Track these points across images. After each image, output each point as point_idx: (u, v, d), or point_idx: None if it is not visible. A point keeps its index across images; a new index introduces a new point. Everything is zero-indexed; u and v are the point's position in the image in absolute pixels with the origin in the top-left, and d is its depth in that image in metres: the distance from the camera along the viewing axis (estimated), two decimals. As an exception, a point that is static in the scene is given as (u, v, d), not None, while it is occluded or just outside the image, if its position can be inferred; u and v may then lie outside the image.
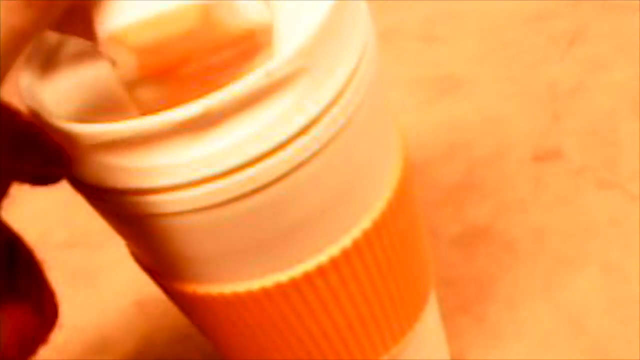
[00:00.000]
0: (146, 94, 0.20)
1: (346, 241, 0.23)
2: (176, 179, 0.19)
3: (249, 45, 0.20)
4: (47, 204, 0.51)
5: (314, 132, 0.19)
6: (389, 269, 0.25)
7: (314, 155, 0.20)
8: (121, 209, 0.20)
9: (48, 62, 0.23)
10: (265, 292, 0.22)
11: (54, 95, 0.22)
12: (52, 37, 0.23)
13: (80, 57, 0.23)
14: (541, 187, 0.41)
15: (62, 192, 0.52)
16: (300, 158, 0.20)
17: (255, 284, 0.22)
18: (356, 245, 0.23)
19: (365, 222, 0.23)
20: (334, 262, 0.23)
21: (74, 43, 0.23)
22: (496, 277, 0.37)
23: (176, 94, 0.20)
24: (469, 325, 0.36)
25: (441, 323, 0.32)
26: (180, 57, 0.20)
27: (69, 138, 0.19)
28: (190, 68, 0.20)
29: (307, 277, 0.23)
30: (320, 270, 0.23)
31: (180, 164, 0.19)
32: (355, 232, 0.23)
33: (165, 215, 0.20)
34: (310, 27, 0.19)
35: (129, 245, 0.24)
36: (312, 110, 0.19)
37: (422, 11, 0.53)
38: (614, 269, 0.36)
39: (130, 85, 0.20)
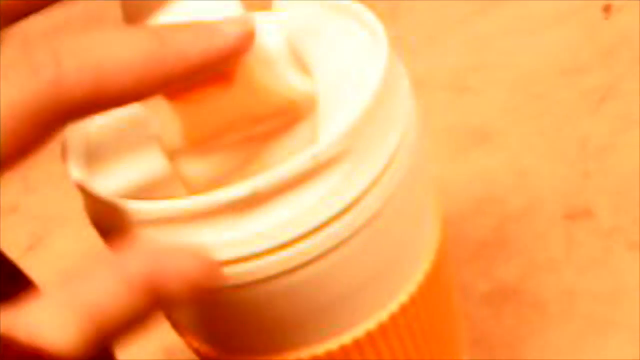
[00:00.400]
0: (190, 164, 0.20)
1: (382, 315, 0.23)
2: (219, 256, 0.19)
3: (291, 115, 0.20)
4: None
5: (353, 214, 0.20)
6: (424, 340, 0.25)
7: (351, 237, 0.20)
8: None
9: (91, 150, 0.23)
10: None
11: (103, 177, 0.22)
12: (90, 125, 0.23)
13: (125, 142, 0.23)
14: (572, 246, 0.40)
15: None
16: (337, 240, 0.20)
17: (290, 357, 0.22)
18: (392, 319, 0.23)
19: (410, 286, 0.23)
20: (381, 327, 0.23)
21: (115, 128, 0.23)
22: (526, 338, 0.37)
23: (219, 165, 0.20)
24: (499, 388, 0.35)
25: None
26: (224, 126, 0.20)
27: (120, 214, 0.19)
28: (233, 137, 0.20)
29: (343, 349, 0.23)
30: (369, 336, 0.23)
31: (223, 243, 0.19)
32: (392, 306, 0.23)
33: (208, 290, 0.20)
34: (354, 109, 0.19)
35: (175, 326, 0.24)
36: (352, 193, 0.20)
37: (452, 61, 0.53)
38: (646, 336, 0.36)
39: (175, 156, 0.20)
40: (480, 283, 0.40)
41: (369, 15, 0.22)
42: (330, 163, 0.19)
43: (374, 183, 0.20)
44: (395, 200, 0.21)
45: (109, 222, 0.20)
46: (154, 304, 0.17)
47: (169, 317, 0.24)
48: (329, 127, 0.21)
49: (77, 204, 0.24)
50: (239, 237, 0.19)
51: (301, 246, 0.19)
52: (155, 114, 0.20)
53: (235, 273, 0.19)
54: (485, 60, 0.52)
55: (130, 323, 0.17)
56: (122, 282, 0.16)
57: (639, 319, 0.37)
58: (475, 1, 0.56)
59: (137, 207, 0.19)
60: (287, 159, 0.19)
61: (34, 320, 0.16)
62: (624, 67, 0.50)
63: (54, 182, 0.56)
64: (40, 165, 0.56)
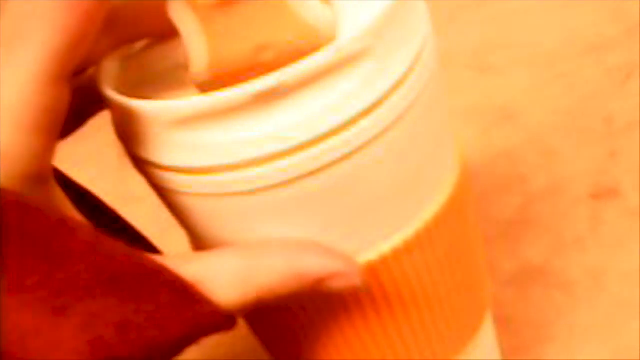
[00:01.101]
0: (217, 84, 0.20)
1: (418, 224, 0.23)
2: (249, 153, 0.19)
3: (314, 43, 0.20)
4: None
5: (380, 111, 0.20)
6: (449, 263, 0.25)
7: (379, 135, 0.20)
8: (193, 189, 0.21)
9: (124, 79, 0.23)
10: None
11: (127, 83, 0.22)
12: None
13: (157, 73, 0.23)
14: (598, 225, 0.40)
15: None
16: (366, 138, 0.20)
17: None
18: (427, 228, 0.23)
19: (434, 206, 0.23)
20: (406, 245, 0.23)
21: (149, 58, 0.24)
22: (553, 319, 0.37)
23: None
24: (526, 368, 0.35)
25: (498, 348, 0.31)
26: (250, 56, 0.20)
27: (142, 117, 0.19)
28: (258, 69, 0.20)
29: (383, 260, 0.23)
30: (395, 253, 0.23)
31: (253, 139, 0.19)
32: (426, 215, 0.23)
33: (238, 193, 0.20)
34: (375, 10, 0.20)
35: (193, 240, 0.24)
36: (378, 89, 0.20)
37: (474, 39, 0.52)
38: (675, 315, 0.36)
39: (203, 88, 0.20)
40: (506, 263, 0.40)
41: None
42: (356, 57, 0.19)
43: (399, 83, 0.20)
44: (420, 103, 0.21)
45: (134, 129, 0.20)
46: (312, 295, 0.20)
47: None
48: (351, 27, 0.21)
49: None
50: (264, 133, 0.19)
51: (328, 143, 0.19)
52: (186, 45, 0.21)
53: (262, 174, 0.19)
54: (507, 38, 0.52)
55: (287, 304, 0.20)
56: (294, 275, 0.19)
57: (667, 298, 0.36)
58: (498, -22, 0.55)
59: (162, 107, 0.19)
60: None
61: (200, 277, 0.19)
62: (650, 44, 0.49)
63: (74, 164, 0.56)
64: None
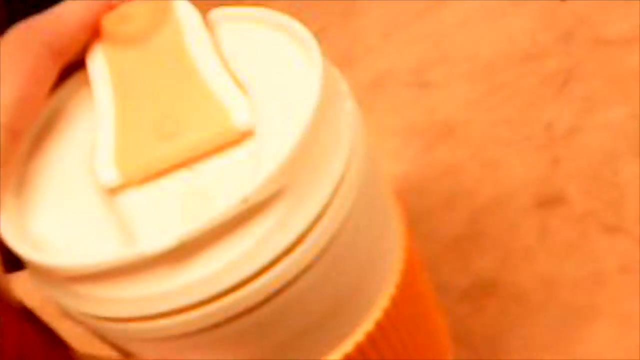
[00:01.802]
0: (128, 201, 0.19)
1: (358, 336, 0.22)
2: (153, 309, 0.18)
3: (232, 144, 0.19)
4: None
5: (300, 250, 0.18)
6: (404, 353, 0.24)
7: (302, 273, 0.19)
8: (104, 333, 0.20)
9: (26, 189, 0.21)
10: None
11: (36, 218, 0.21)
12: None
13: (60, 180, 0.21)
14: (546, 234, 0.40)
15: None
16: (287, 278, 0.19)
17: None
18: (369, 337, 0.22)
19: (375, 313, 0.22)
20: (347, 359, 0.22)
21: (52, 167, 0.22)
22: (508, 331, 0.36)
23: (158, 199, 0.19)
24: (484, 384, 0.35)
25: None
26: (165, 160, 0.19)
27: (48, 270, 0.18)
28: (174, 170, 0.19)
29: None
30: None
31: (157, 296, 0.18)
32: (367, 325, 0.22)
33: (148, 340, 0.19)
34: (289, 141, 0.18)
35: None
36: (296, 229, 0.18)
37: (412, 56, 0.52)
38: (628, 318, 0.35)
39: (113, 193, 0.19)
40: (458, 279, 0.39)
41: (304, 33, 0.21)
42: (267, 203, 0.18)
43: (322, 213, 0.19)
44: (349, 224, 0.20)
45: (44, 279, 0.19)
46: None
47: None
48: (265, 159, 0.19)
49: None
50: (173, 289, 0.18)
51: (241, 293, 0.18)
52: (95, 150, 0.20)
53: (171, 325, 0.18)
54: (444, 53, 0.52)
55: None
56: None
57: (619, 302, 0.36)
58: (430, -6, 0.55)
59: (64, 264, 0.18)
60: (229, 189, 0.17)
61: None
62: (583, 49, 0.49)
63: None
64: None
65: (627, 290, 0.36)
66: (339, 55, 0.53)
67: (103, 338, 0.20)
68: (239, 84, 0.21)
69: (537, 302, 0.37)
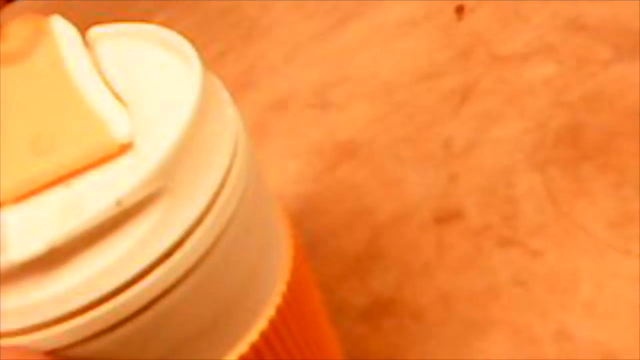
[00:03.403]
0: (3, 217, 0.18)
1: (243, 347, 0.21)
2: (27, 321, 0.17)
3: (109, 158, 0.19)
4: None
5: (179, 255, 0.18)
6: None
7: (182, 279, 0.18)
8: None
9: None
10: None
11: None
12: None
13: None
14: (444, 249, 0.40)
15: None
16: (165, 285, 0.18)
17: None
18: (255, 347, 0.22)
19: (261, 323, 0.22)
20: None
21: None
22: (405, 350, 0.36)
23: (36, 215, 0.19)
24: (382, 404, 0.35)
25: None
26: (42, 177, 0.18)
27: None
28: (51, 186, 0.19)
29: None
30: None
31: (28, 307, 0.17)
32: (253, 335, 0.21)
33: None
34: (165, 145, 0.18)
35: None
36: (174, 234, 0.18)
37: (313, 77, 0.52)
38: (522, 331, 0.36)
39: None
40: (356, 298, 0.39)
41: (181, 43, 0.21)
42: (142, 206, 0.17)
43: (201, 218, 0.18)
44: (231, 230, 0.19)
45: None
46: None
47: None
48: (143, 167, 0.19)
49: None
50: (44, 300, 0.17)
51: (119, 300, 0.17)
52: None
53: (47, 337, 0.18)
54: (345, 74, 0.52)
55: None
56: None
57: (513, 314, 0.36)
58: (331, 16, 0.55)
59: None
60: (106, 200, 0.17)
61: None
62: (481, 66, 0.50)
63: None
64: None
65: (521, 302, 0.37)
66: (240, 77, 0.53)
67: None
68: (118, 98, 0.20)
69: (435, 318, 0.37)
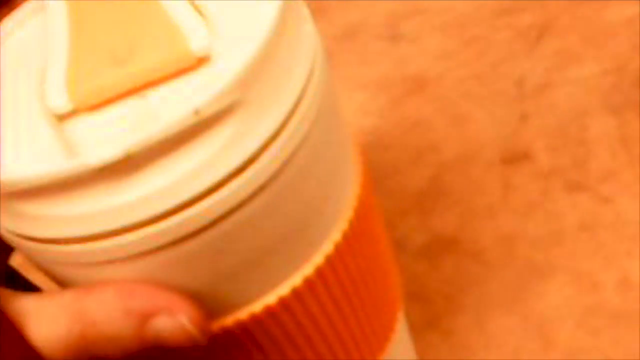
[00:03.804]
0: (79, 127, 0.18)
1: (308, 270, 0.21)
2: (100, 227, 0.18)
3: (187, 69, 0.19)
4: None
5: (253, 169, 0.18)
6: (354, 292, 0.23)
7: (255, 194, 0.18)
8: (44, 257, 0.19)
9: None
10: (238, 325, 0.21)
11: None
12: None
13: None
14: (510, 191, 0.40)
15: None
16: (238, 199, 0.18)
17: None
18: (320, 271, 0.22)
19: (326, 247, 0.22)
20: (296, 292, 0.21)
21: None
22: (464, 289, 0.36)
23: (111, 126, 0.19)
24: (438, 341, 0.35)
25: (412, 342, 0.31)
26: (118, 84, 0.18)
27: None
28: (127, 96, 0.19)
29: (269, 310, 0.21)
30: (282, 302, 0.21)
31: (101, 212, 0.17)
32: (318, 258, 0.22)
33: (96, 264, 0.19)
34: (244, 57, 0.17)
35: None
36: (250, 147, 0.18)
37: (385, 8, 0.51)
38: (585, 277, 0.35)
39: (63, 119, 0.18)
40: (417, 235, 0.39)
41: None
42: (219, 117, 0.17)
43: (277, 133, 0.18)
44: (306, 147, 0.19)
45: None
46: (144, 337, 0.18)
47: None
48: (221, 80, 0.19)
49: None
50: (117, 207, 0.17)
51: (189, 213, 0.18)
52: (46, 75, 0.19)
53: (120, 245, 0.18)
54: (418, 5, 0.51)
55: (117, 345, 0.18)
56: (120, 304, 0.18)
57: (576, 260, 0.36)
58: (407, -55, 0.54)
59: (6, 178, 0.17)
60: (182, 110, 0.17)
61: (27, 309, 0.18)
62: (560, 3, 0.48)
63: None
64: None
65: (586, 248, 0.36)
66: (311, 5, 0.52)
67: (44, 269, 0.20)
68: (198, 11, 0.20)
69: (495, 259, 0.37)
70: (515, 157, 0.41)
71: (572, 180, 0.39)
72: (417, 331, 0.35)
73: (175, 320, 0.18)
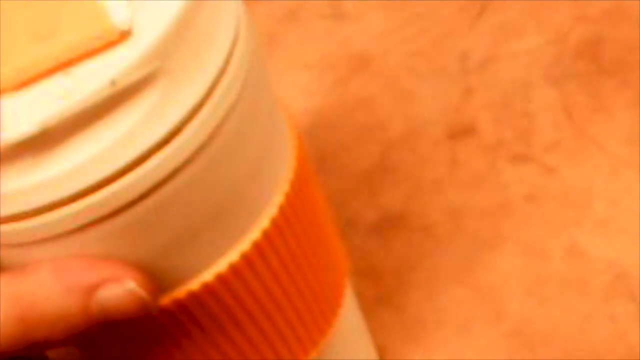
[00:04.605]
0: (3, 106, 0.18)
1: (245, 245, 0.21)
2: (23, 206, 0.17)
3: (109, 43, 0.18)
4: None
5: (178, 141, 0.17)
6: (295, 267, 0.23)
7: (182, 166, 0.18)
8: None
9: None
10: (176, 303, 0.20)
11: None
12: None
13: None
14: (456, 165, 0.40)
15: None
16: (165, 172, 0.18)
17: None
18: (257, 246, 0.21)
19: (263, 222, 0.21)
20: (233, 269, 0.21)
21: None
22: (415, 264, 0.36)
23: (36, 102, 0.18)
24: (390, 317, 0.35)
25: (362, 318, 0.31)
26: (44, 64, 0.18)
27: None
28: (51, 72, 0.18)
29: (207, 288, 0.21)
30: (220, 279, 0.21)
31: (21, 190, 0.17)
32: (255, 233, 0.21)
33: (24, 244, 0.18)
34: (163, 22, 0.17)
35: None
36: (173, 118, 0.17)
37: (327, -13, 0.51)
38: (533, 247, 0.35)
39: None
40: (367, 213, 0.39)
41: None
42: (138, 87, 0.17)
43: (201, 103, 0.18)
44: (233, 119, 0.19)
45: None
46: (90, 312, 0.17)
47: None
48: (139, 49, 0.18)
49: None
50: (38, 183, 0.17)
51: (113, 188, 0.17)
52: None
53: (44, 224, 0.17)
54: (360, -17, 0.50)
55: (60, 326, 0.17)
56: (59, 282, 0.17)
57: (524, 230, 0.36)
58: None
59: None
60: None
61: None
62: (500, -23, 0.48)
63: None
64: None
65: (533, 218, 0.36)
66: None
67: None
68: None
69: (444, 233, 0.37)
70: (460, 132, 0.41)
71: (517, 152, 0.39)
72: (369, 308, 0.35)
73: (123, 287, 0.18)
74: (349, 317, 0.28)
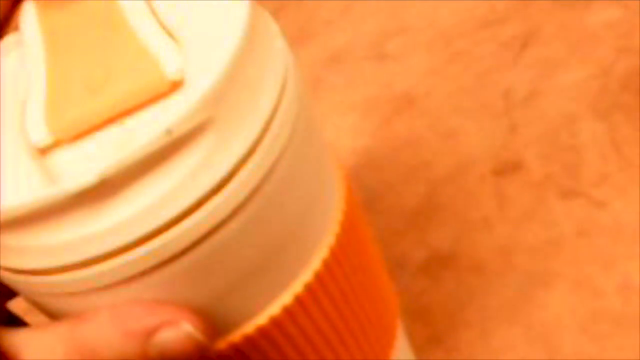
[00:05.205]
0: (60, 159, 0.18)
1: (297, 287, 0.21)
2: (80, 255, 0.18)
3: (163, 94, 0.19)
4: None
5: (231, 187, 0.18)
6: (347, 308, 0.23)
7: (234, 212, 0.18)
8: (29, 289, 0.19)
9: None
10: (231, 347, 0.21)
11: None
12: None
13: None
14: (504, 202, 0.40)
15: None
16: (217, 218, 0.18)
17: None
18: (309, 287, 0.22)
19: (315, 263, 0.22)
20: (287, 311, 0.21)
21: None
22: (465, 303, 0.36)
23: (92, 156, 0.19)
24: (442, 358, 0.34)
25: (414, 358, 0.31)
26: (98, 117, 0.19)
27: None
28: (106, 125, 0.19)
29: (261, 330, 0.21)
30: (274, 321, 0.21)
31: (82, 239, 0.17)
32: (307, 275, 0.22)
33: (81, 292, 0.18)
34: (214, 71, 0.18)
35: None
36: (225, 165, 0.18)
37: (369, 28, 0.51)
38: (585, 283, 0.35)
39: (43, 152, 0.19)
40: (415, 252, 0.39)
41: None
42: (192, 136, 0.17)
43: (251, 151, 0.18)
44: (281, 166, 0.19)
45: None
46: (149, 356, 0.18)
47: None
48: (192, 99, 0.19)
49: None
50: (97, 232, 0.17)
51: (169, 235, 0.18)
52: (26, 108, 0.19)
53: (99, 273, 0.18)
54: (402, 24, 0.51)
55: None
56: (118, 328, 0.18)
57: (576, 266, 0.36)
58: (386, -35, 0.54)
59: None
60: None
61: (22, 341, 0.18)
62: (542, 11, 0.49)
63: None
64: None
65: (584, 254, 0.36)
66: (297, 32, 0.52)
67: (35, 302, 0.20)
68: (169, 34, 0.20)
69: (495, 271, 0.37)
70: (507, 168, 0.41)
71: (565, 186, 0.39)
72: (421, 349, 0.35)
73: (179, 330, 0.18)
74: (401, 357, 0.28)
